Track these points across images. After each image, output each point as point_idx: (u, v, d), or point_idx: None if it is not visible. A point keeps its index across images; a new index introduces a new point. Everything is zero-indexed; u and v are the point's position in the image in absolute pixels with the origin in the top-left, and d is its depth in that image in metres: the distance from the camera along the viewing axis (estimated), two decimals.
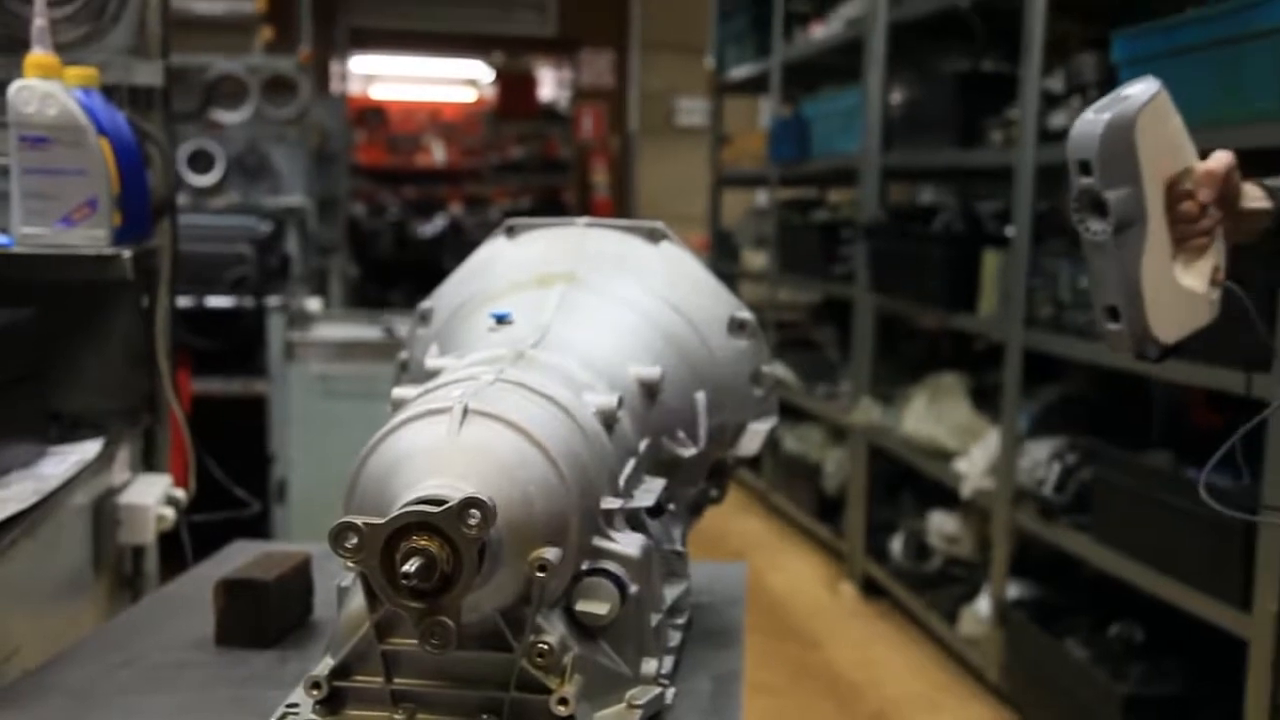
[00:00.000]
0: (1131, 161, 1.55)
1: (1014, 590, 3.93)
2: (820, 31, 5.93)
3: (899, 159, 4.95)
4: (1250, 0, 2.80)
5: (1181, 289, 1.61)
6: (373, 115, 12.47)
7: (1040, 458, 3.80)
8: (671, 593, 1.35)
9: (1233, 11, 2.87)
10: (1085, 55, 3.67)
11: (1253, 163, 1.82)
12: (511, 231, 1.66)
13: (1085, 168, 1.56)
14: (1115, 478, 3.38)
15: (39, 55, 1.96)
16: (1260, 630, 2.65)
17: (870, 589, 5.05)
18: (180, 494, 2.24)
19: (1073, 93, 3.68)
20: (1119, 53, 3.29)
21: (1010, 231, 3.96)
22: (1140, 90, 1.56)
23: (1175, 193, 1.59)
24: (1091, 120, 1.56)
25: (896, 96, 4.98)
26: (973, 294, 4.21)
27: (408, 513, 1.04)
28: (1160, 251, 1.59)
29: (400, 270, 9.41)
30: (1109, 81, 3.47)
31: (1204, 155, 1.62)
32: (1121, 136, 1.55)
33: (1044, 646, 3.66)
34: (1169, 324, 1.60)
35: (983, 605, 4.08)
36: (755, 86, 7.08)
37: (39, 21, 1.98)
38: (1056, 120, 3.71)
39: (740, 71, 6.97)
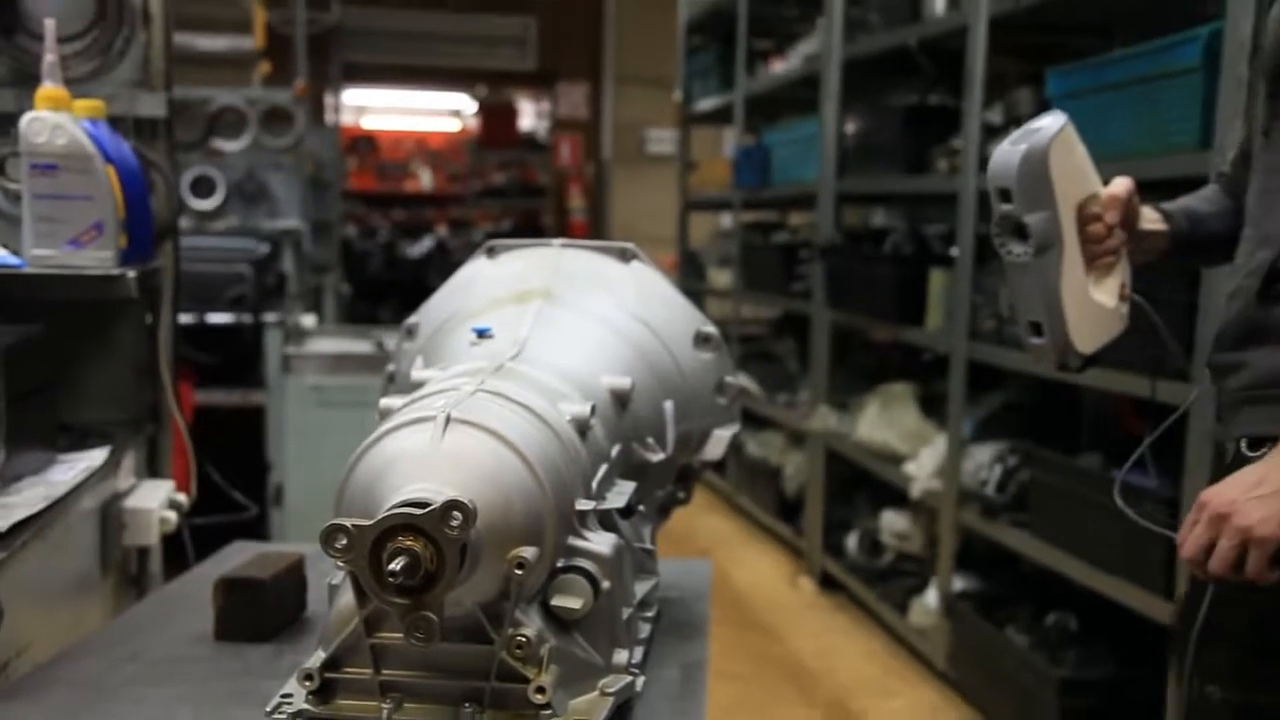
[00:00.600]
0: (1046, 188, 1.59)
1: (959, 583, 3.95)
2: (780, 67, 5.97)
3: (853, 185, 4.97)
4: (1168, 43, 2.84)
5: (1095, 304, 1.66)
6: (364, 144, 12.45)
7: (983, 460, 3.81)
8: (641, 588, 1.35)
9: (1152, 52, 2.91)
10: (1022, 90, 3.70)
11: (1169, 193, 1.85)
12: (492, 252, 1.66)
13: (1005, 195, 1.61)
14: (1050, 479, 3.41)
15: (49, 89, 1.96)
16: None
17: (827, 583, 5.06)
18: (182, 498, 2.23)
19: (1011, 124, 3.70)
20: (1052, 88, 3.32)
21: (955, 252, 3.98)
22: (1049, 123, 1.60)
23: (1085, 215, 1.63)
24: (1009, 151, 1.60)
25: (850, 127, 5.01)
26: (920, 309, 4.23)
27: (394, 515, 1.04)
28: (1075, 270, 1.63)
29: (389, 288, 9.38)
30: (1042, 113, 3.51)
31: (1106, 181, 1.67)
32: (1036, 165, 1.58)
33: (987, 635, 3.67)
34: (1087, 336, 1.65)
35: (931, 597, 4.09)
36: (720, 117, 7.10)
37: (49, 57, 1.97)
38: None
39: (706, 104, 6.99)
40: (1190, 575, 1.59)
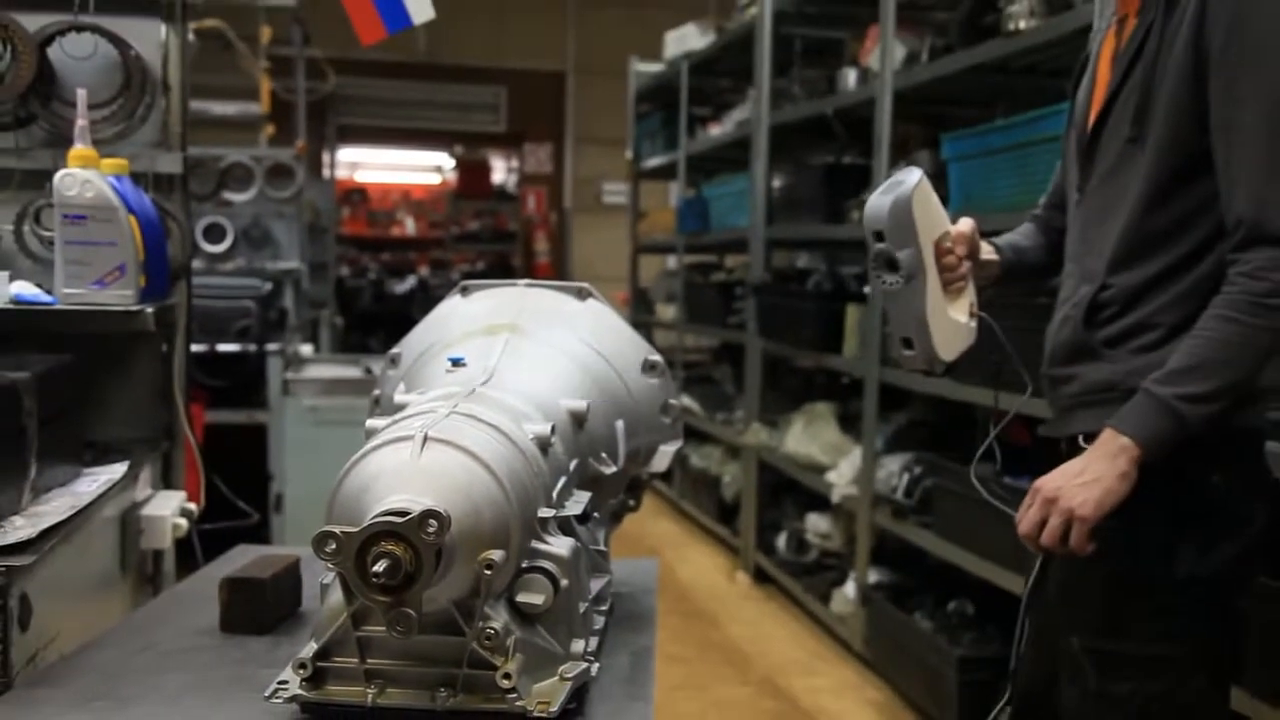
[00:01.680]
0: (911, 228, 1.69)
1: (874, 576, 3.97)
2: (716, 131, 6.00)
3: (780, 232, 5.00)
4: (1038, 115, 2.89)
5: (952, 320, 1.76)
6: (356, 195, 12.39)
7: (893, 470, 3.84)
8: (596, 584, 1.35)
9: (1026, 123, 2.96)
10: (921, 152, 3.74)
11: None
12: (466, 290, 1.64)
13: (879, 236, 1.71)
14: (950, 485, 3.43)
15: (80, 149, 1.97)
16: None
17: (760, 577, 5.06)
18: (193, 507, 2.21)
19: None
20: (946, 151, 3.37)
21: (867, 290, 4.02)
22: (910, 177, 1.70)
23: (940, 249, 1.73)
24: (880, 200, 1.70)
25: (777, 182, 5.04)
26: (839, 339, 4.26)
27: (377, 523, 1.03)
28: (936, 294, 1.73)
29: (377, 321, 9.29)
30: (941, 173, 3.55)
31: (954, 221, 1.79)
32: (903, 211, 1.68)
33: (897, 620, 3.69)
34: (948, 347, 1.75)
35: (849, 589, 4.10)
36: (666, 173, 7.13)
37: (81, 122, 1.99)
38: None
39: (654, 161, 7.02)
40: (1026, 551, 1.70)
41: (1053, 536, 1.56)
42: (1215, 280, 1.56)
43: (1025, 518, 1.60)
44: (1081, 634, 1.66)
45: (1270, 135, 1.49)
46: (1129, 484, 1.54)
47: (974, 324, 1.79)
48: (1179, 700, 1.62)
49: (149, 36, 2.23)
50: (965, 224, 1.78)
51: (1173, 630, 1.61)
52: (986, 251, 1.82)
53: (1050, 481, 1.58)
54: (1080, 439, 1.65)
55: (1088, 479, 1.55)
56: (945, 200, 3.51)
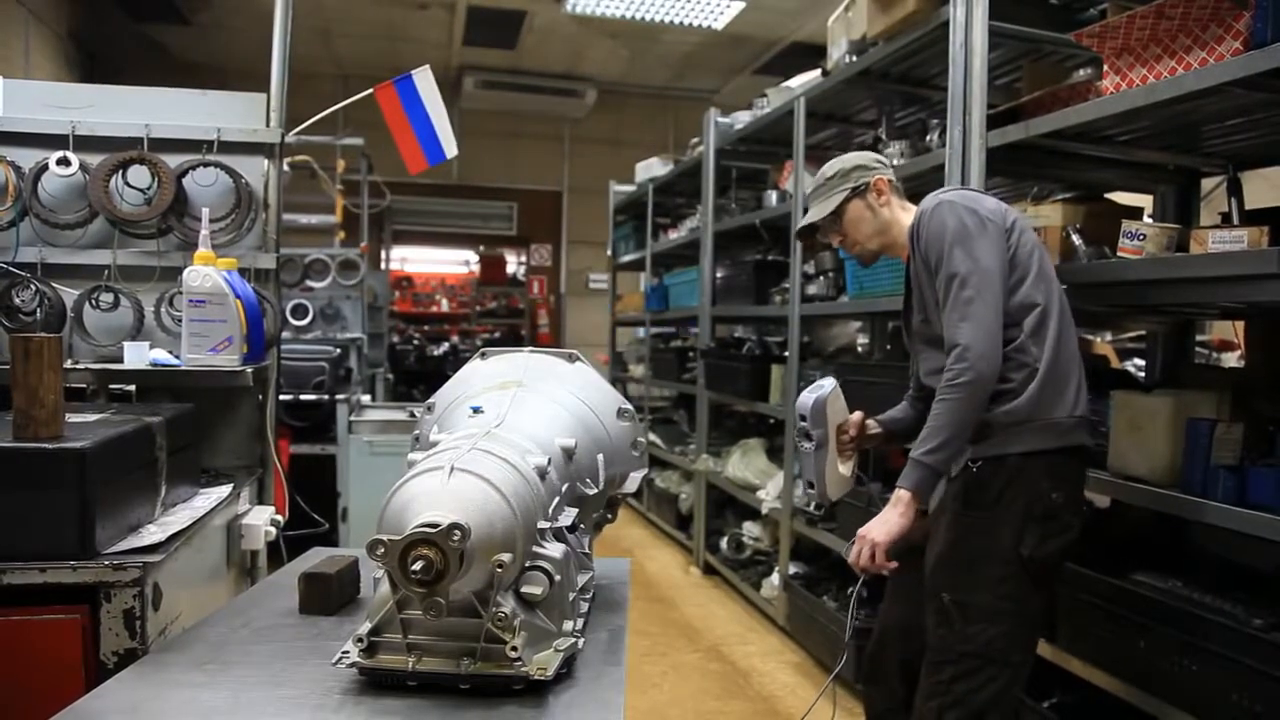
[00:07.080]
0: (824, 418, 1.99)
1: (793, 568, 3.96)
2: (674, 235, 6.06)
3: (721, 310, 5.04)
4: None
5: (840, 475, 2.05)
6: (405, 282, 12.35)
7: None
8: (582, 578, 1.35)
9: None
10: (825, 253, 3.81)
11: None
12: (484, 355, 1.64)
13: (803, 418, 1.99)
14: (846, 499, 3.44)
15: (202, 251, 2.01)
16: None
17: (708, 570, 5.03)
18: (280, 518, 2.20)
19: (819, 275, 3.81)
20: (842, 253, 3.41)
21: (786, 354, 4.06)
22: (827, 383, 2.01)
23: (840, 430, 2.04)
24: (807, 396, 2.00)
25: (719, 273, 5.09)
26: (766, 390, 4.29)
27: (415, 533, 1.03)
28: (833, 459, 2.02)
29: (419, 377, 9.22)
30: (839, 268, 3.60)
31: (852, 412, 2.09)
32: (820, 406, 1.98)
33: (810, 602, 3.68)
34: (835, 492, 2.04)
35: (775, 578, 4.10)
36: (636, 266, 7.17)
37: (203, 232, 2.03)
38: (811, 290, 3.83)
39: (627, 257, 7.07)
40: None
41: (866, 560, 1.83)
42: None
43: (852, 550, 1.86)
44: (950, 591, 1.84)
45: (954, 301, 1.82)
46: (908, 519, 1.81)
47: (853, 477, 2.08)
48: (1008, 639, 1.81)
49: (255, 169, 2.26)
50: (857, 415, 2.08)
51: (1011, 593, 1.81)
52: (873, 428, 2.12)
53: (865, 526, 1.85)
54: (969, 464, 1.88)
55: (880, 521, 1.83)
56: (843, 288, 3.58)
